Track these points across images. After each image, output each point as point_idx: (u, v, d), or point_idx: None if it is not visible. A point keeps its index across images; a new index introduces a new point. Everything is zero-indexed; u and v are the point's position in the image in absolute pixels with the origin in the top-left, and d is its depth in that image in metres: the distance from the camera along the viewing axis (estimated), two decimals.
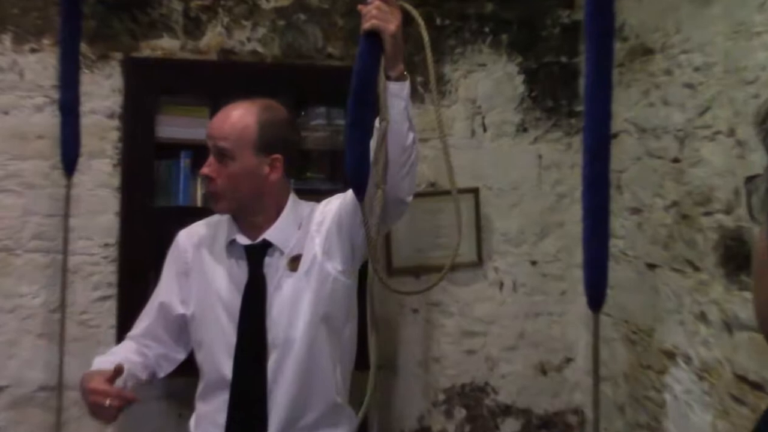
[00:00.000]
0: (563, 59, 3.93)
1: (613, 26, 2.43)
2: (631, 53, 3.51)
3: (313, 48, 3.76)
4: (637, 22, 3.45)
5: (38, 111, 3.61)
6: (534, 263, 3.96)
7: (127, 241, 3.64)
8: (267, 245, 2.82)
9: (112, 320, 3.66)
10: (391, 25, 2.50)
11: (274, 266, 2.81)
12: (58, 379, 3.57)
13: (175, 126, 3.63)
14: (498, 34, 3.89)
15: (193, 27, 3.70)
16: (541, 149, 3.94)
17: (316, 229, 2.83)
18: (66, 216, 3.56)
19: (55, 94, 3.55)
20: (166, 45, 3.69)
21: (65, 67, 3.42)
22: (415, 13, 2.67)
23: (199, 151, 3.54)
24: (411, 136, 2.65)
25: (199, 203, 3.66)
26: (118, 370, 2.61)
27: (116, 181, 3.66)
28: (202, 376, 2.89)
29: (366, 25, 2.49)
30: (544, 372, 3.99)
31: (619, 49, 3.52)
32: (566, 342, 3.98)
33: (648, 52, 3.39)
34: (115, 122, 3.66)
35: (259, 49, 3.73)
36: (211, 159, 2.77)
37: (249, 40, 3.74)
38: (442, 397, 3.92)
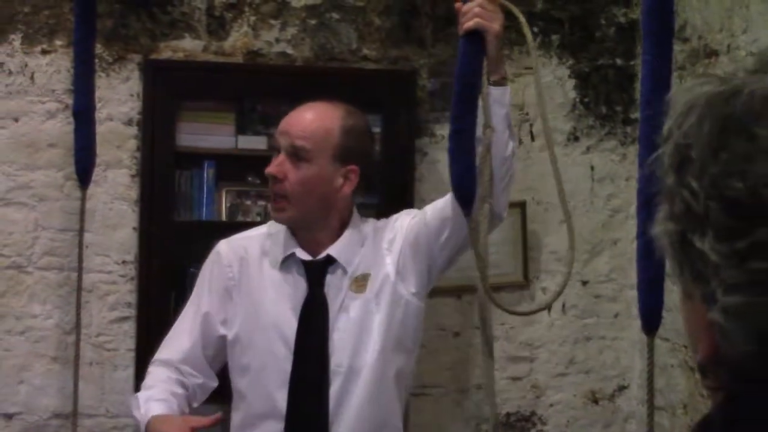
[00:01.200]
0: (619, 62, 3.86)
1: (672, 25, 2.38)
2: (692, 55, 3.46)
3: (347, 49, 3.71)
4: (700, 21, 3.42)
5: (50, 117, 3.58)
6: (585, 283, 3.88)
7: (146, 258, 3.60)
8: (329, 262, 2.75)
9: (131, 343, 3.63)
10: (495, 24, 2.50)
11: (335, 286, 2.74)
12: (72, 407, 3.49)
13: (197, 134, 3.63)
14: (548, 35, 3.83)
15: (217, 26, 3.66)
16: (593, 160, 3.87)
17: (387, 247, 2.78)
18: (80, 231, 3.48)
19: (69, 99, 3.50)
20: (188, 46, 3.65)
21: (79, 70, 3.36)
22: (517, 11, 2.68)
23: (223, 161, 3.67)
24: (511, 145, 2.67)
25: (224, 217, 3.66)
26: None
27: (134, 193, 3.62)
28: (241, 405, 2.78)
29: (469, 24, 2.48)
30: (595, 401, 3.92)
31: (679, 50, 3.46)
32: (620, 368, 3.92)
33: (712, 54, 3.34)
34: (133, 129, 3.62)
35: (289, 50, 3.69)
36: (281, 158, 2.68)
37: (277, 40, 3.69)
38: (485, 427, 3.85)
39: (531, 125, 3.81)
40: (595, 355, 3.89)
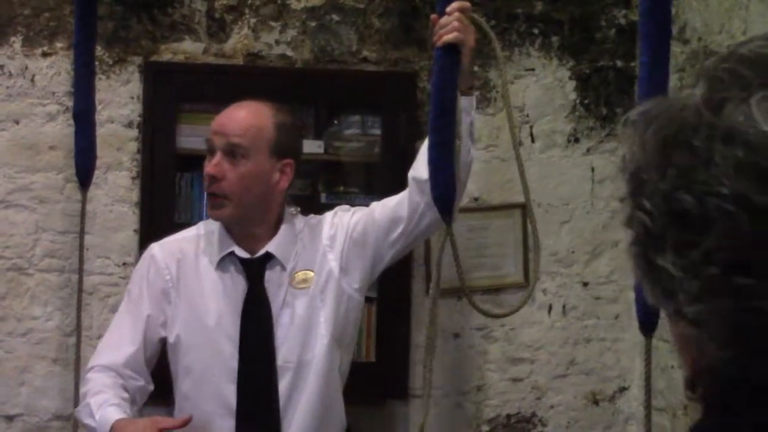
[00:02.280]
0: (619, 63, 3.83)
1: (669, 26, 2.37)
2: (692, 57, 3.44)
3: (347, 51, 3.70)
4: (700, 23, 3.41)
5: (51, 119, 3.59)
6: (585, 285, 3.85)
7: None
8: (267, 259, 2.77)
9: None
10: (470, 38, 2.59)
11: (275, 282, 2.77)
12: (72, 408, 3.42)
13: (197, 136, 3.53)
14: (548, 36, 3.81)
15: (218, 29, 3.66)
16: (594, 161, 3.84)
17: (328, 243, 2.81)
18: (81, 233, 3.47)
19: (69, 102, 3.50)
20: (188, 48, 3.65)
21: (79, 72, 3.35)
22: (486, 26, 2.79)
23: None
24: (472, 151, 2.74)
25: None
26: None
27: (135, 195, 3.63)
28: (186, 406, 2.76)
29: (449, 37, 2.54)
30: (596, 402, 3.89)
31: (680, 52, 3.46)
32: (620, 370, 3.89)
33: (711, 55, 3.19)
34: (134, 132, 3.63)
35: (289, 52, 3.68)
36: (217, 158, 2.70)
37: (277, 42, 3.68)
38: (485, 428, 3.84)
39: (531, 127, 3.79)
40: (596, 356, 3.87)
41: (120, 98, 3.60)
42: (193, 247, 2.80)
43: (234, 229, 2.76)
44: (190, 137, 3.58)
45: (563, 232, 3.83)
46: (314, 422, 2.74)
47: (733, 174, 0.84)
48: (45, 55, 3.56)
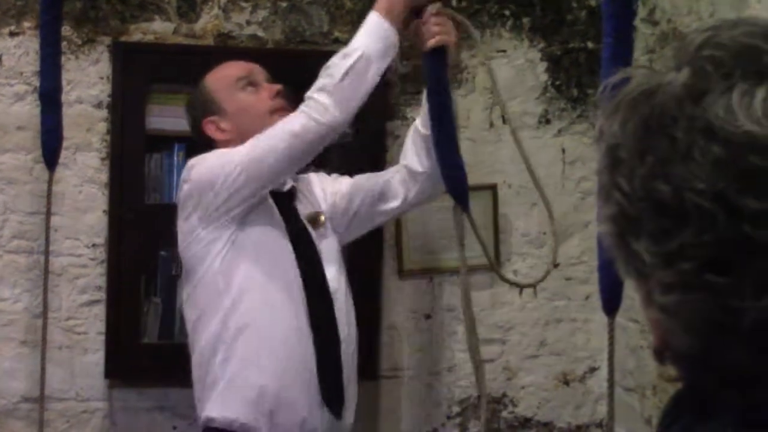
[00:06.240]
0: (590, 45, 3.80)
1: (632, 6, 2.40)
2: (662, 38, 3.46)
3: (318, 32, 3.69)
4: (669, 5, 3.42)
5: (19, 100, 3.55)
6: (556, 266, 3.78)
7: (116, 242, 3.56)
8: (293, 193, 2.96)
9: (101, 326, 3.58)
10: (452, 37, 2.74)
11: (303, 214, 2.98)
12: (41, 390, 3.45)
13: (167, 116, 3.57)
14: (519, 17, 3.80)
15: (188, 9, 3.62)
16: (565, 143, 3.84)
17: (322, 196, 3.02)
18: (47, 214, 3.45)
19: (37, 82, 3.42)
20: (158, 28, 3.61)
21: (46, 52, 3.31)
22: (462, 18, 2.92)
23: (193, 144, 3.52)
24: None
25: None
26: None
27: (104, 176, 3.58)
28: (252, 296, 2.83)
29: (432, 42, 2.68)
30: (566, 383, 3.91)
31: (649, 34, 3.49)
32: (591, 350, 3.90)
33: (680, 37, 3.21)
34: (103, 112, 3.59)
35: (260, 33, 3.66)
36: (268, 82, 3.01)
37: (248, 23, 3.65)
38: (456, 409, 3.85)
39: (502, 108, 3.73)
40: (567, 337, 3.87)
41: (89, 78, 3.56)
42: None
43: None
44: (159, 118, 3.55)
45: (534, 213, 3.82)
46: (353, 347, 2.93)
47: (711, 171, 0.83)
48: (12, 34, 3.51)
